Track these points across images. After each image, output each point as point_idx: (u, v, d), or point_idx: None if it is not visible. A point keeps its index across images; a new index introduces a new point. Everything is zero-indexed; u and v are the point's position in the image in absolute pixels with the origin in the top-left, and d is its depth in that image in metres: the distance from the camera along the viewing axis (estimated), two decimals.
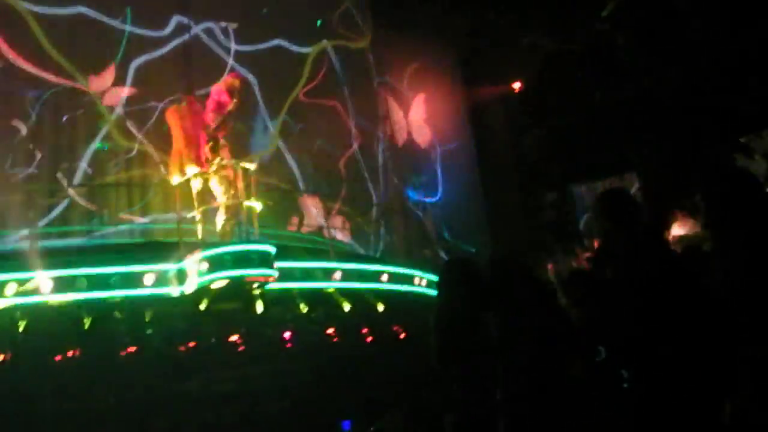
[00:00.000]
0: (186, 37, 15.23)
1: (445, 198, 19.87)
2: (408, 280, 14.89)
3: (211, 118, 12.63)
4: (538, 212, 20.34)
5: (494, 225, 19.95)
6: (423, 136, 20.22)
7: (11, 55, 13.61)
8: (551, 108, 19.60)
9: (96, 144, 14.31)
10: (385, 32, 19.18)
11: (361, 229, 16.85)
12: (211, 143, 12.55)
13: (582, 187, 20.65)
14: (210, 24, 15.89)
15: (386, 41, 19.31)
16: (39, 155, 13.80)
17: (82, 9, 14.50)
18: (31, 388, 12.98)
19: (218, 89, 12.92)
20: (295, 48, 17.09)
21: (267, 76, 16.35)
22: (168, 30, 15.31)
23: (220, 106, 12.69)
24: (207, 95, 13.11)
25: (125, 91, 14.65)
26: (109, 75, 14.53)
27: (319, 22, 17.45)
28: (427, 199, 19.63)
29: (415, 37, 20.01)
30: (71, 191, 13.91)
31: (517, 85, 21.36)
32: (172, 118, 12.69)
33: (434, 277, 15.51)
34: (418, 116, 20.30)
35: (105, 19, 14.70)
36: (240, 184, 11.87)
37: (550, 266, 8.95)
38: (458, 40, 21.04)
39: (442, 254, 18.24)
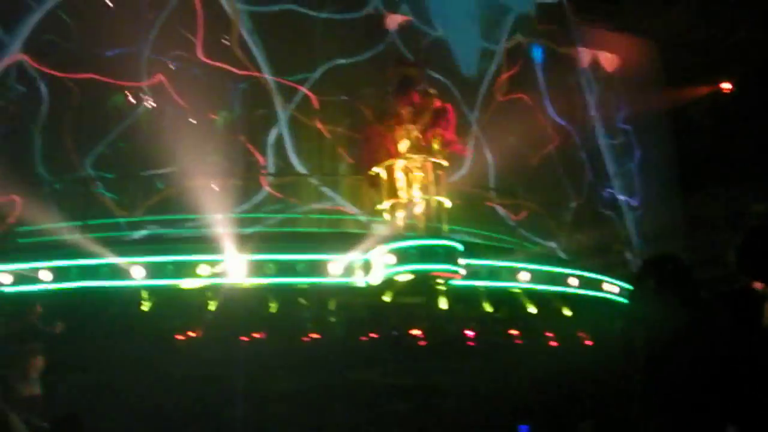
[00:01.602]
0: (379, 47, 15.24)
1: (641, 200, 19.02)
2: (597, 285, 14.29)
3: (405, 111, 12.46)
4: (743, 222, 18.88)
5: (692, 233, 18.84)
6: (620, 135, 19.41)
7: (202, 55, 14.05)
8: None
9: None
10: (584, 27, 18.58)
11: (554, 230, 16.32)
12: (403, 137, 12.38)
13: None
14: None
15: (584, 36, 18.70)
16: (236, 145, 14.22)
17: (291, 6, 14.82)
18: (217, 366, 13.36)
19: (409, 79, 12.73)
20: (485, 43, 16.76)
21: (457, 70, 16.11)
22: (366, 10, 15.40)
23: (411, 100, 12.51)
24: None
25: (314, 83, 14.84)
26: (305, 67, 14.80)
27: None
28: (622, 197, 18.84)
29: (615, 31, 19.27)
30: (264, 180, 14.21)
31: (726, 85, 20.06)
32: (374, 112, 12.64)
33: (625, 284, 14.90)
34: (616, 115, 19.52)
35: (308, 11, 14.92)
36: (431, 180, 11.66)
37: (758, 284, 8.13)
38: (661, 35, 20.04)
39: (635, 259, 17.40)
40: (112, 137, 13.98)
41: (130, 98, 14.28)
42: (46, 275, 11.34)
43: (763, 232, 4.85)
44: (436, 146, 12.06)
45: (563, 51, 18.10)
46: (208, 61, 14.12)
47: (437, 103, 12.24)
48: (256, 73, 14.39)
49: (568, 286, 13.76)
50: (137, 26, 14.07)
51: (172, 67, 14.12)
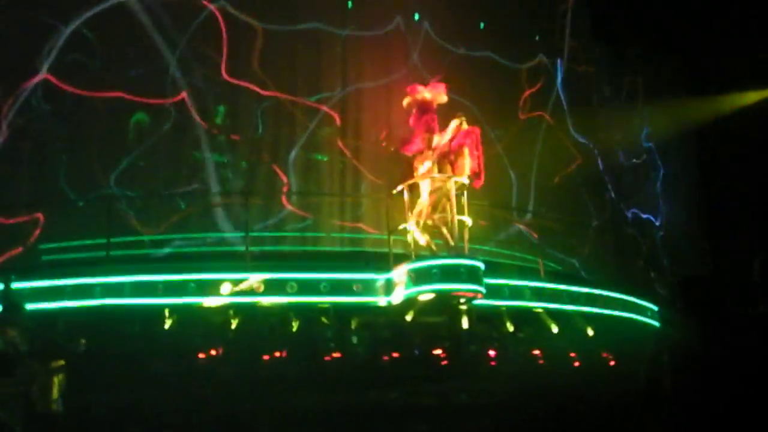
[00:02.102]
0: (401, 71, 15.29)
1: (664, 218, 18.87)
2: (621, 305, 14.16)
3: (424, 134, 12.43)
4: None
5: (718, 249, 18.66)
6: (644, 154, 19.31)
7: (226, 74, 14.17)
8: None
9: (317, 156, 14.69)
10: (604, 44, 18.57)
11: (577, 249, 16.24)
12: (425, 158, 12.35)
13: None
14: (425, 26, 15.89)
15: (606, 53, 18.69)
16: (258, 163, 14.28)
17: (315, 25, 14.92)
18: (239, 384, 13.34)
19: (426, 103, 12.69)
20: (506, 62, 16.74)
21: (478, 89, 16.05)
22: (388, 28, 15.45)
23: (430, 118, 12.47)
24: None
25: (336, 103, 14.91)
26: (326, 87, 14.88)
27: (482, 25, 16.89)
28: (645, 216, 18.71)
29: (637, 47, 19.23)
30: (285, 200, 14.23)
31: (752, 98, 19.89)
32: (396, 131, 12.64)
33: (650, 304, 14.78)
34: (639, 133, 19.43)
35: (332, 29, 15.01)
36: (452, 199, 11.60)
37: None
38: (684, 51, 19.94)
39: (660, 278, 17.25)
40: (135, 155, 14.06)
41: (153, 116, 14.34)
42: (69, 293, 11.37)
43: None
44: (458, 166, 12.02)
45: (585, 69, 18.06)
46: (232, 80, 14.21)
47: (465, 126, 12.17)
48: (277, 93, 14.46)
49: (591, 305, 13.66)
50: (162, 45, 14.18)
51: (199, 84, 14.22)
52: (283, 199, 14.33)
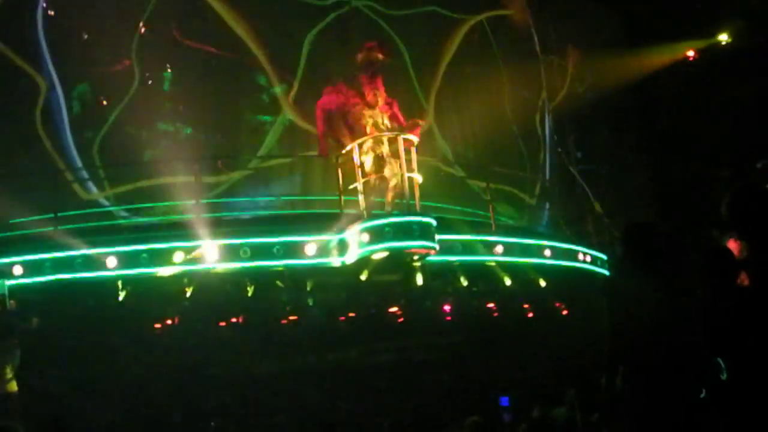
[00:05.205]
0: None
1: (610, 169, 19.02)
2: (572, 255, 14.35)
3: (372, 95, 12.41)
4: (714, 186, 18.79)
5: (662, 198, 18.94)
6: (585, 104, 19.32)
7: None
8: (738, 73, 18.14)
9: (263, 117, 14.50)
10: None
11: (525, 202, 16.34)
12: (369, 116, 12.35)
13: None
14: None
15: (543, 8, 18.65)
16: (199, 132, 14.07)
17: None
18: (197, 353, 13.36)
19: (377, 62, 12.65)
20: (449, 15, 16.56)
21: (419, 46, 15.93)
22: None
23: (372, 79, 12.45)
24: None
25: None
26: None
27: None
28: (589, 167, 18.85)
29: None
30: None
31: (691, 53, 20.09)
32: (333, 93, 12.54)
33: (599, 254, 15.01)
34: (579, 84, 19.46)
35: None
36: (402, 157, 11.61)
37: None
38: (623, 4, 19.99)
39: (608, 226, 17.43)
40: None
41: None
42: (18, 269, 11.15)
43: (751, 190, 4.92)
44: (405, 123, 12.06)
45: (520, 22, 17.95)
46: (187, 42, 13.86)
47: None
48: (223, 52, 14.21)
49: (543, 256, 13.83)
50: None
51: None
52: (219, 163, 14.08)
